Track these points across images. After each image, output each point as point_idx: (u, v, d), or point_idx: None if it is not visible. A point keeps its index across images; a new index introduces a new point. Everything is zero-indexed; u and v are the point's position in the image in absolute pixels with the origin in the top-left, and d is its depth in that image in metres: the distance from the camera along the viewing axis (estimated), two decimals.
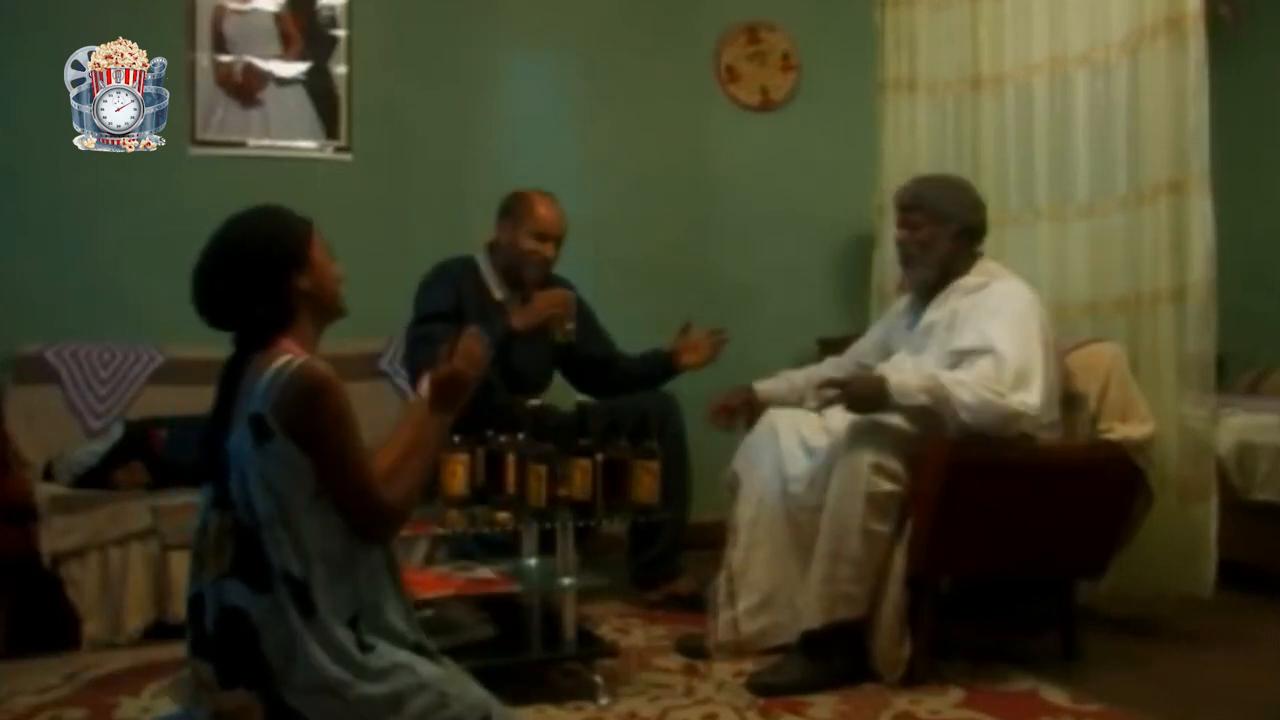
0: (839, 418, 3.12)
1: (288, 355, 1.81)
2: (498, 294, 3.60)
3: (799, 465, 3.06)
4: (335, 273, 1.96)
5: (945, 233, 3.11)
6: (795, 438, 3.11)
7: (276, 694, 1.75)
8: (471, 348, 2.08)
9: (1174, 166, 3.20)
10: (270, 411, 1.76)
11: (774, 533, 3.06)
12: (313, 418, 1.77)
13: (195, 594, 1.83)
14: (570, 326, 3.50)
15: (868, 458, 2.83)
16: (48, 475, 3.42)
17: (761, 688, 2.80)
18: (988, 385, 2.82)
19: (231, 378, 1.86)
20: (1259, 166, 5.10)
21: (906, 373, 2.97)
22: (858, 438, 2.87)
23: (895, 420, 2.89)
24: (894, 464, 2.85)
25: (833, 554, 2.83)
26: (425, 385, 2.10)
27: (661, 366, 3.74)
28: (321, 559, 1.79)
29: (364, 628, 1.82)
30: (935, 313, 3.12)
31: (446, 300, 3.51)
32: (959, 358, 2.96)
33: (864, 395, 2.86)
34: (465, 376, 2.05)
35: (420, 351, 3.43)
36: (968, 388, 2.81)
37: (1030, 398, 2.83)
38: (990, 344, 2.89)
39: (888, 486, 2.84)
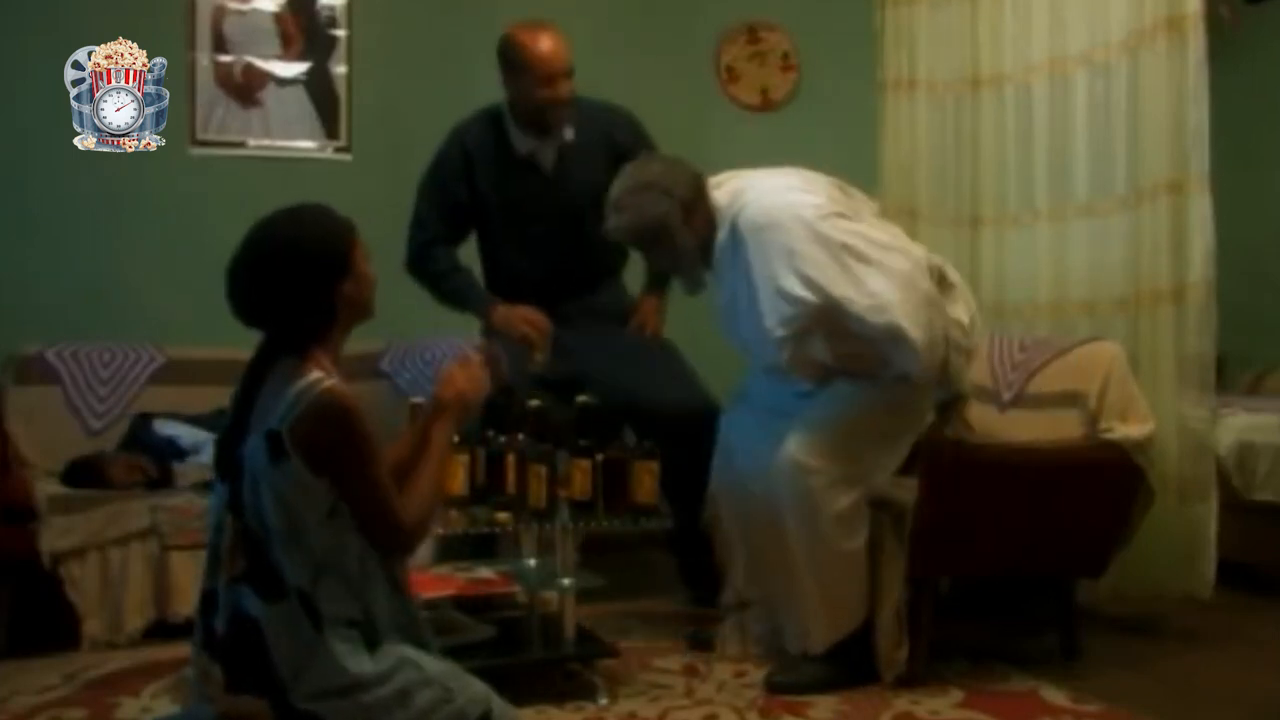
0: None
1: (316, 374, 1.80)
2: (523, 148, 3.38)
3: (760, 462, 2.91)
4: (373, 277, 1.93)
5: (676, 236, 2.87)
6: (750, 441, 2.97)
7: (285, 701, 1.76)
8: (474, 372, 2.10)
9: (1174, 166, 3.20)
10: (288, 432, 1.75)
11: (756, 542, 2.99)
12: (331, 443, 1.77)
13: (208, 590, 1.84)
14: (540, 358, 3.26)
15: (817, 481, 2.75)
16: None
17: (778, 687, 2.79)
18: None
19: (253, 380, 1.85)
20: (1259, 166, 5.09)
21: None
22: (798, 462, 2.76)
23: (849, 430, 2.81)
24: (844, 468, 2.78)
25: (820, 584, 2.80)
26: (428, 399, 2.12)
27: None
28: (332, 571, 1.80)
29: (367, 627, 1.83)
30: (725, 283, 2.91)
31: (438, 209, 3.40)
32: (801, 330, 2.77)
33: None
34: (469, 398, 2.08)
35: (423, 267, 3.41)
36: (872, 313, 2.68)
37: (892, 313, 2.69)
38: (822, 298, 2.70)
39: (846, 500, 2.79)
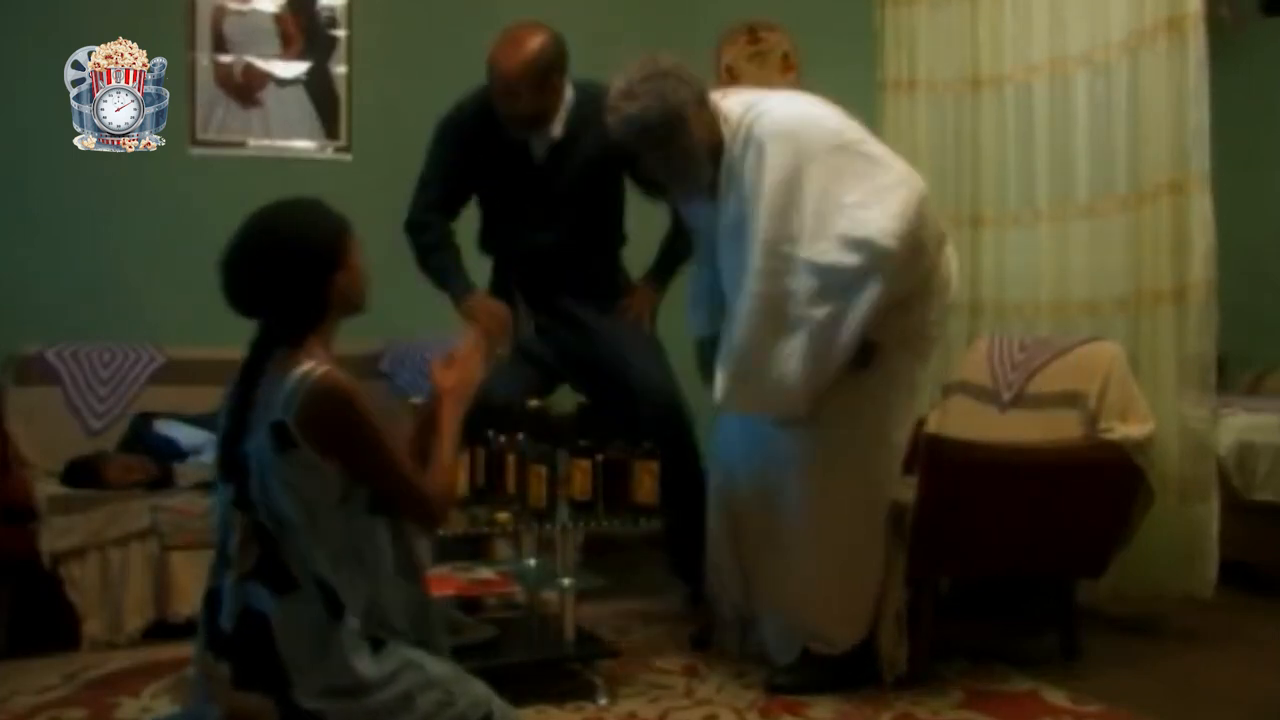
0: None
1: (310, 363, 1.80)
2: (516, 134, 3.27)
3: (750, 467, 2.92)
4: (365, 271, 1.95)
5: (692, 128, 2.67)
6: (744, 444, 2.93)
7: (290, 698, 1.76)
8: (464, 357, 2.14)
9: (1174, 166, 3.21)
10: (293, 421, 1.76)
11: (750, 542, 2.96)
12: (338, 428, 1.79)
13: (213, 589, 1.84)
14: (500, 352, 3.18)
15: (845, 512, 2.76)
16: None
17: (779, 687, 2.79)
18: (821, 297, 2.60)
19: (249, 377, 1.85)
20: (1259, 166, 5.10)
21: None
22: (823, 490, 2.76)
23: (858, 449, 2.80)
24: (864, 490, 2.79)
25: (838, 583, 2.80)
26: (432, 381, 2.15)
27: None
28: (345, 560, 1.81)
29: (374, 625, 1.84)
30: (729, 200, 2.73)
31: (438, 173, 3.35)
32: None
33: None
34: (465, 379, 2.11)
35: (416, 235, 3.37)
36: (808, 328, 2.62)
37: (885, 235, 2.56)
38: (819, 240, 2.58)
39: (865, 495, 2.78)
